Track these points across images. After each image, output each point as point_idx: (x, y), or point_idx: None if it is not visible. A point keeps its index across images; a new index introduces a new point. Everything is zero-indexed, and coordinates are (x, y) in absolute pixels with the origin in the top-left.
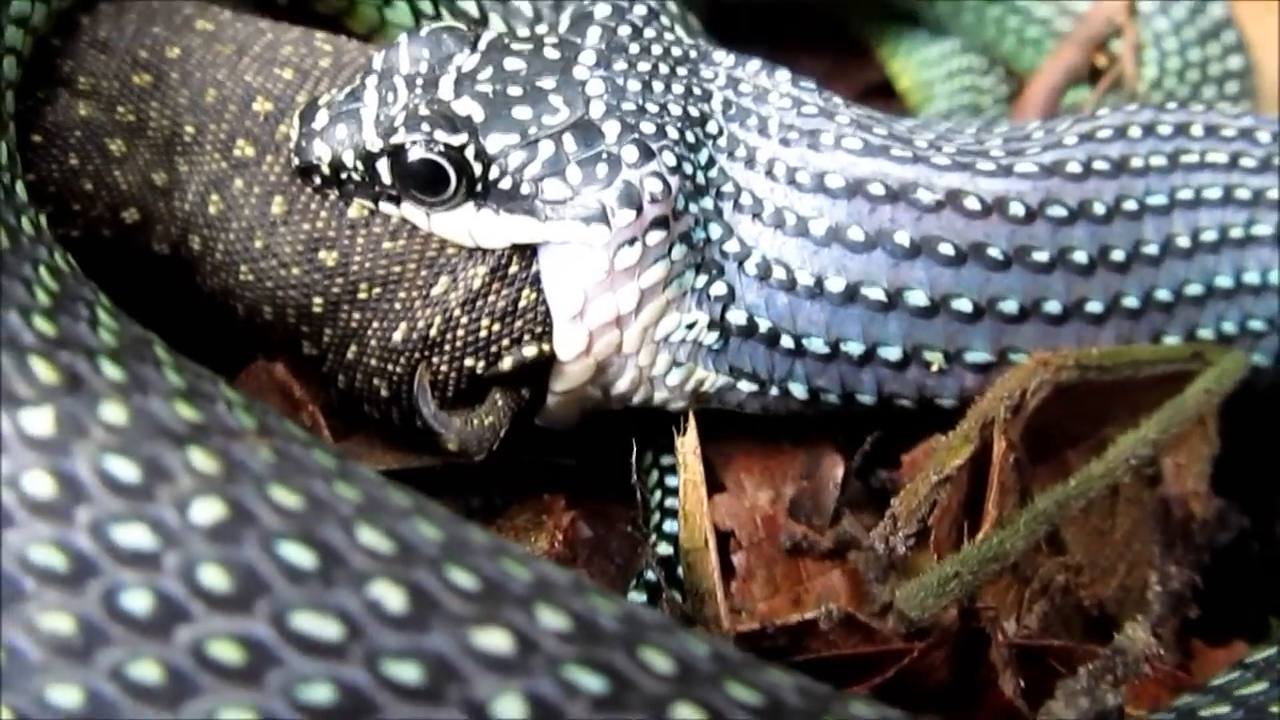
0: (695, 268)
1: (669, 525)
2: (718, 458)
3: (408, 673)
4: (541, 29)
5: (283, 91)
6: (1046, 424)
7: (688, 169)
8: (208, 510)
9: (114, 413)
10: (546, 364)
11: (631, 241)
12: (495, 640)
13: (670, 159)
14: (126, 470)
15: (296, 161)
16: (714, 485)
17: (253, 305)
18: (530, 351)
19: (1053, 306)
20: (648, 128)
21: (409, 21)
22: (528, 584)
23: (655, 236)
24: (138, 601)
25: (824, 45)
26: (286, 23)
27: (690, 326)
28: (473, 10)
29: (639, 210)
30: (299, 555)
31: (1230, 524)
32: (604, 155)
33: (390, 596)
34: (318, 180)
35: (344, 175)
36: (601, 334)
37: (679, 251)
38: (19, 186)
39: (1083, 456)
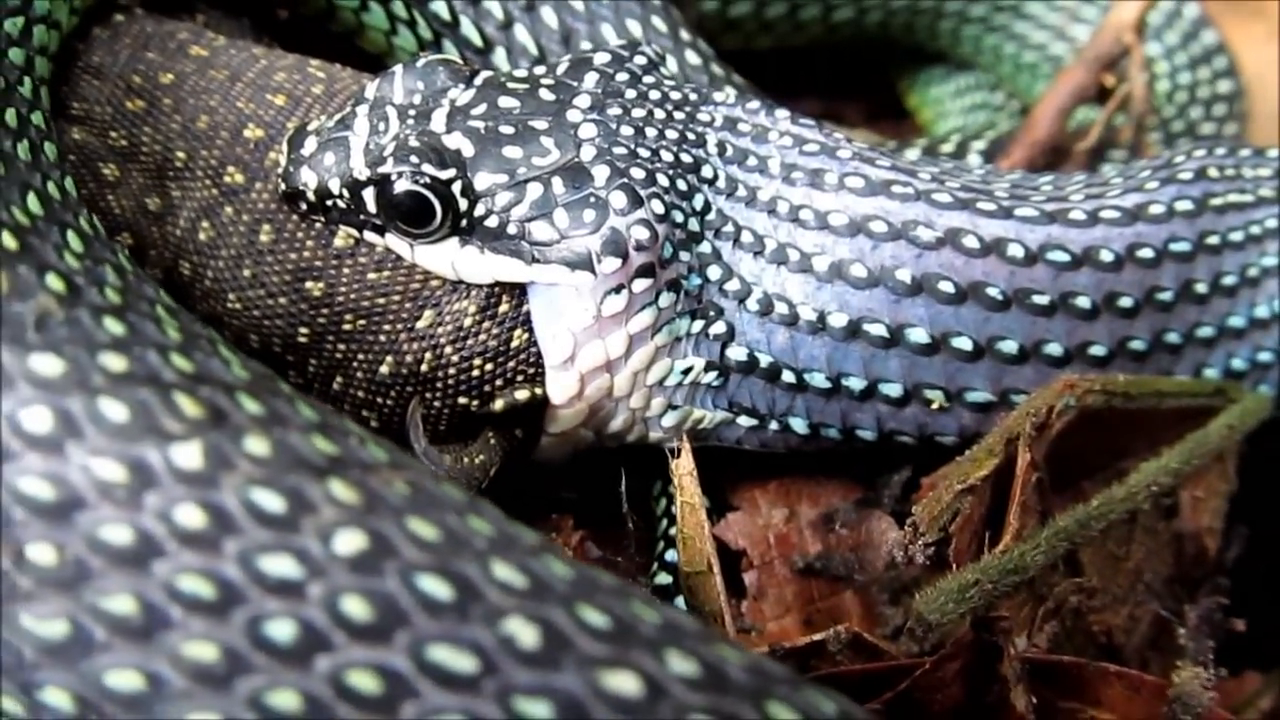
0: (690, 314)
1: (670, 555)
2: (730, 477)
3: (539, 710)
4: (539, 70)
5: (274, 118)
6: (1066, 452)
7: (677, 217)
8: (350, 542)
9: (257, 446)
10: (540, 406)
11: (618, 289)
12: (625, 683)
13: (659, 207)
14: (272, 502)
15: (283, 187)
16: (726, 505)
17: (240, 333)
18: (523, 395)
19: (1054, 349)
20: (637, 174)
21: (413, 47)
22: (657, 628)
23: (641, 284)
24: (281, 630)
25: (829, 77)
26: (280, 49)
27: (686, 371)
28: (476, 40)
29: (624, 258)
30: (437, 588)
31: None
32: (592, 199)
33: (524, 633)
34: (303, 206)
35: (330, 203)
36: (592, 378)
37: (666, 299)
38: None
39: (1099, 487)
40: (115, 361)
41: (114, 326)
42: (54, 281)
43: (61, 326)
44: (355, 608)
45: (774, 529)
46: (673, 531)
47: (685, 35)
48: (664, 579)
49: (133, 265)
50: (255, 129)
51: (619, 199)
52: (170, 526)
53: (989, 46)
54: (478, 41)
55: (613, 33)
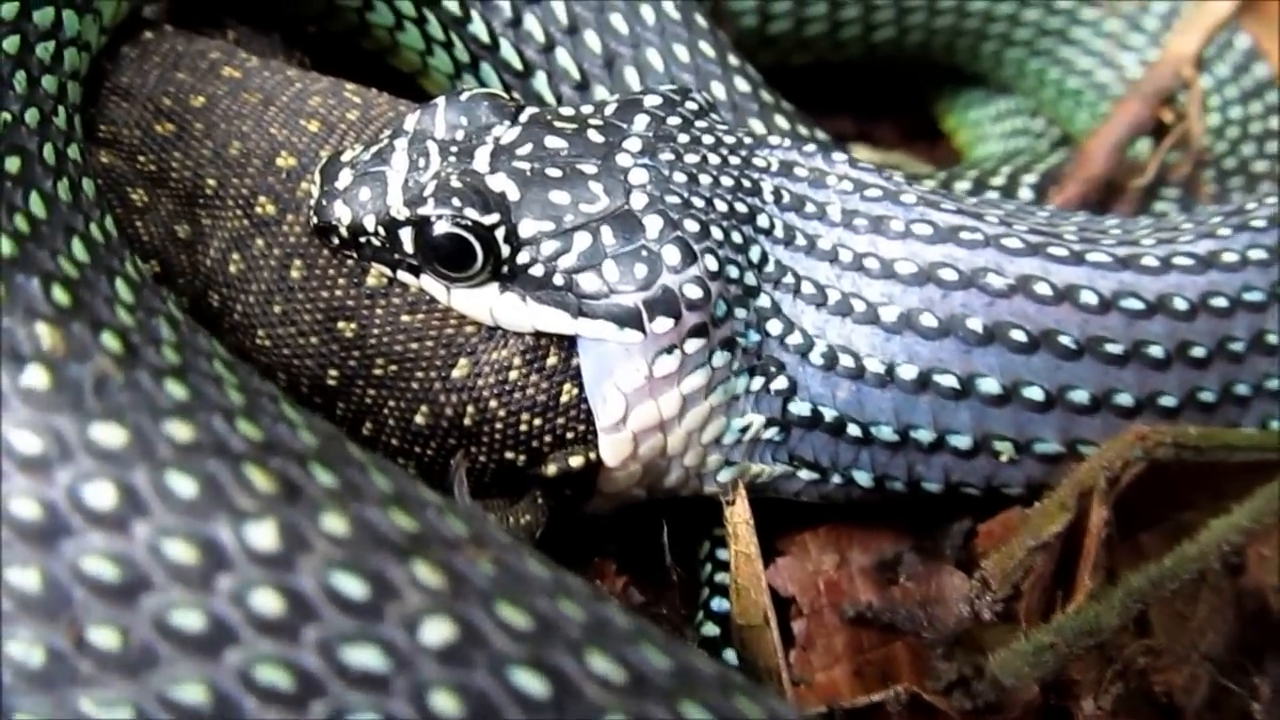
0: (749, 371)
1: (717, 603)
2: (778, 520)
3: None
4: (587, 109)
5: (307, 146)
6: (1127, 503)
7: (732, 272)
8: (437, 630)
9: (335, 524)
10: (593, 468)
11: (670, 349)
12: None
13: (712, 263)
14: (353, 586)
15: (315, 220)
16: (773, 550)
17: (267, 370)
18: (577, 461)
19: (1124, 399)
20: (691, 226)
21: (449, 69)
22: None
23: (694, 344)
24: None
25: (863, 94)
26: (313, 70)
27: (744, 429)
28: (515, 63)
29: (677, 318)
30: (532, 683)
31: None
32: (643, 253)
33: None
34: (335, 241)
35: (363, 240)
36: (646, 438)
37: (721, 359)
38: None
39: (1158, 540)
40: (180, 430)
41: (176, 390)
42: (110, 340)
43: (122, 391)
44: (445, 703)
45: (824, 575)
46: (719, 578)
47: (733, 60)
48: (711, 629)
49: (183, 314)
50: (288, 157)
51: (672, 254)
52: (245, 612)
53: (1032, 71)
54: (517, 65)
55: (658, 57)
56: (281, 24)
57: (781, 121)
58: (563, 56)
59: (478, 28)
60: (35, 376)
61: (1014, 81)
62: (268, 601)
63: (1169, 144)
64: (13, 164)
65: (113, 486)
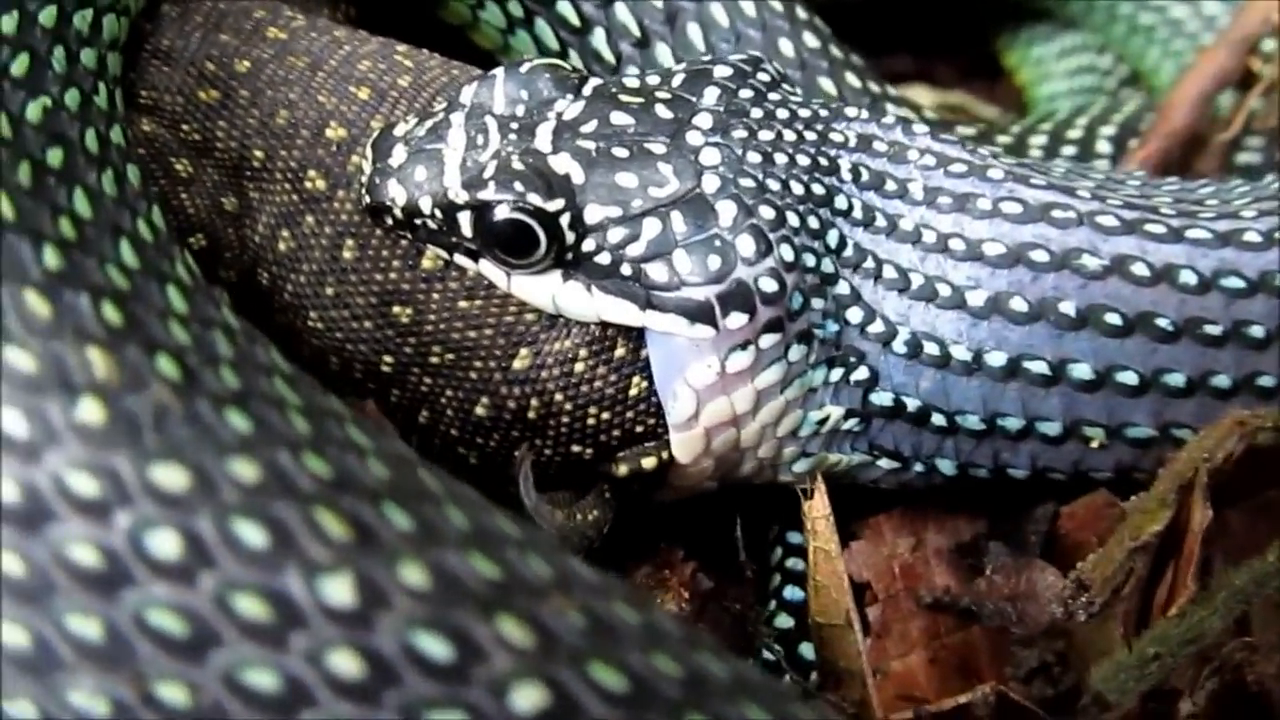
0: (827, 363)
1: (790, 592)
2: (852, 503)
3: None
4: (653, 80)
5: (357, 115)
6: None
7: (809, 260)
8: (528, 696)
9: (414, 575)
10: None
11: (744, 345)
12: None
13: (789, 252)
14: (437, 648)
15: (367, 199)
16: (846, 533)
17: (319, 352)
18: (649, 462)
19: (1221, 381)
20: (766, 213)
21: (500, 22)
22: None
23: (769, 340)
24: None
25: (921, 32)
26: (364, 32)
27: (821, 422)
28: (572, 18)
29: (751, 313)
30: None
31: None
32: (716, 243)
33: None
34: (388, 222)
35: (418, 221)
36: (718, 433)
37: (797, 352)
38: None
39: (1245, 518)
40: (246, 470)
41: (238, 422)
42: (166, 366)
43: (182, 425)
44: None
45: (899, 559)
46: (791, 564)
47: (801, 13)
48: (785, 620)
49: (237, 319)
50: (338, 128)
51: (746, 244)
52: (321, 673)
53: (1102, 5)
54: (574, 20)
55: (722, 12)
56: None
57: (852, 79)
58: (622, 12)
59: None
60: (90, 410)
61: (1081, 16)
62: (346, 663)
63: (1258, 92)
64: (55, 157)
65: (176, 535)
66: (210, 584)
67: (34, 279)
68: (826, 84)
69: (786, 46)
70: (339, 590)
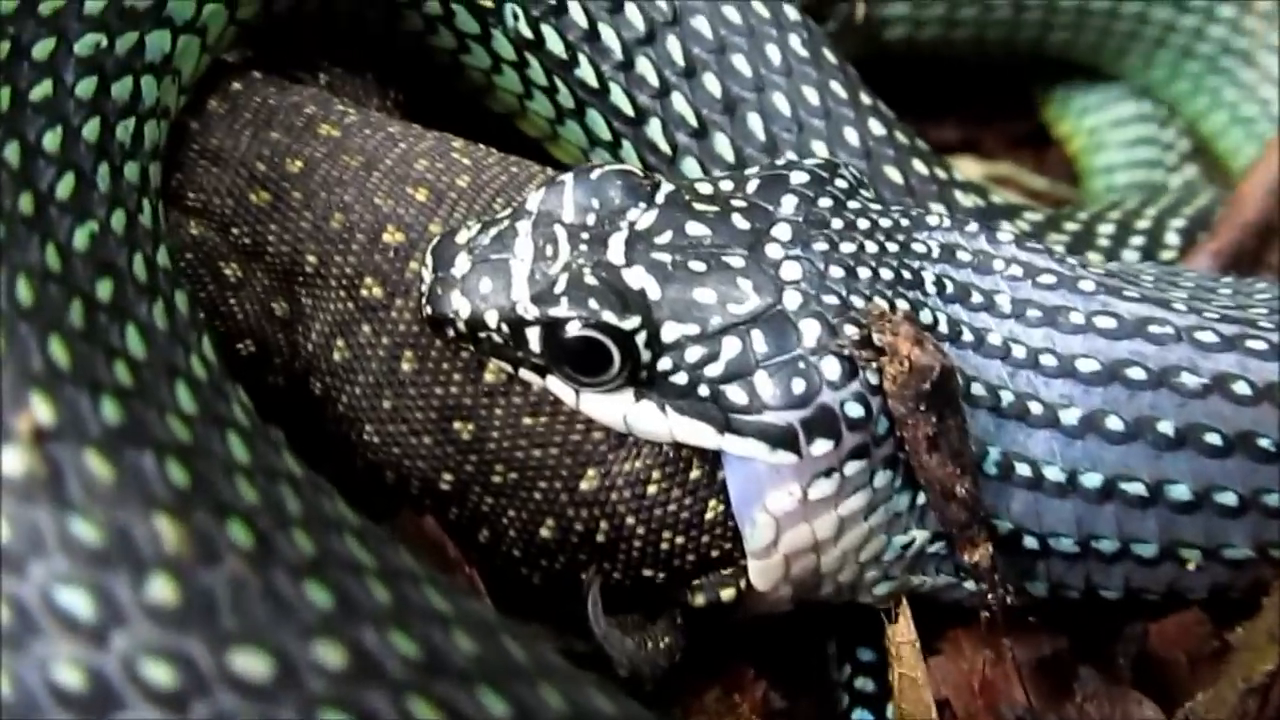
0: (912, 486)
1: (859, 715)
2: (928, 614)
3: None
4: (727, 185)
5: (415, 218)
6: None
7: None
8: None
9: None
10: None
11: (828, 472)
12: None
13: (874, 375)
14: None
15: (428, 310)
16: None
17: (374, 466)
18: (728, 595)
19: None
20: (852, 331)
21: (581, 140)
22: None
23: (854, 466)
24: None
25: (966, 98)
26: (418, 126)
27: (906, 546)
28: (627, 109)
29: (837, 439)
30: None
31: None
32: (800, 364)
33: None
34: (451, 334)
35: (483, 334)
36: (798, 559)
37: (883, 478)
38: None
39: None
40: (332, 655)
41: (319, 596)
42: (238, 533)
43: (261, 603)
44: None
45: (978, 675)
46: (860, 685)
47: (865, 99)
48: None
49: (300, 465)
50: (395, 232)
51: (832, 368)
52: None
53: (1208, 88)
54: (629, 110)
55: (784, 101)
56: (373, 61)
57: (920, 166)
58: (679, 102)
59: (585, 71)
60: (162, 590)
61: (1181, 97)
62: None
63: None
64: (104, 289)
65: None
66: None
67: (94, 437)
68: (892, 172)
69: (851, 135)
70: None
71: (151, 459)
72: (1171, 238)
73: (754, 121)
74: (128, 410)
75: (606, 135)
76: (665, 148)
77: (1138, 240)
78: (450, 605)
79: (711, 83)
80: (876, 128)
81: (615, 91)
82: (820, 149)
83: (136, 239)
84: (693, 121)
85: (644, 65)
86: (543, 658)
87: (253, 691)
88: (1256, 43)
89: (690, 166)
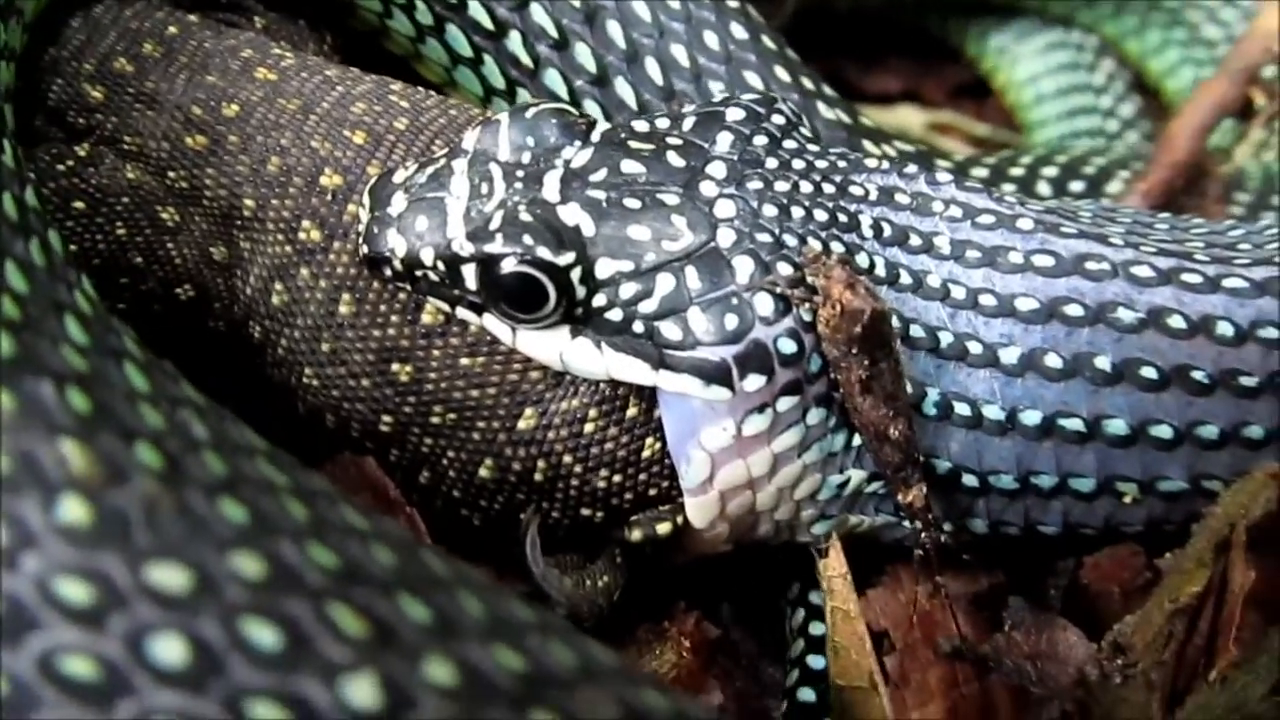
0: (848, 427)
1: (814, 660)
2: (865, 550)
3: None
4: (663, 123)
5: (353, 161)
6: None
7: None
8: None
9: (440, 673)
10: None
11: (761, 408)
12: None
13: (807, 312)
14: None
15: (365, 250)
16: (863, 580)
17: (315, 409)
18: (664, 529)
19: (1254, 432)
20: (785, 270)
21: (443, 58)
22: None
23: (787, 402)
24: None
25: (907, 49)
26: (356, 70)
27: (842, 485)
28: (525, 59)
29: (769, 375)
30: None
31: None
32: (733, 302)
33: None
34: (387, 273)
35: (419, 273)
36: (733, 496)
37: (816, 415)
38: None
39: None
40: (250, 565)
41: (233, 512)
42: (146, 454)
43: (176, 521)
44: None
45: (916, 608)
46: (813, 629)
47: (769, 43)
48: (808, 694)
49: (200, 396)
50: (333, 175)
51: (764, 304)
52: None
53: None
54: (488, 24)
55: (683, 53)
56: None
57: (825, 110)
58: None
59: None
60: (73, 510)
61: (1123, 35)
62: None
63: (1259, 124)
64: None
65: (182, 643)
66: (222, 691)
67: None
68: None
69: (753, 79)
70: (363, 693)
71: (50, 387)
72: (1116, 186)
73: (652, 68)
74: (19, 342)
75: (468, 51)
76: (527, 60)
77: (1078, 185)
78: (367, 522)
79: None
80: (781, 73)
81: (473, 5)
82: (720, 93)
83: (3, 179)
84: (553, 33)
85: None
86: (464, 570)
87: (171, 603)
88: None
89: (552, 79)
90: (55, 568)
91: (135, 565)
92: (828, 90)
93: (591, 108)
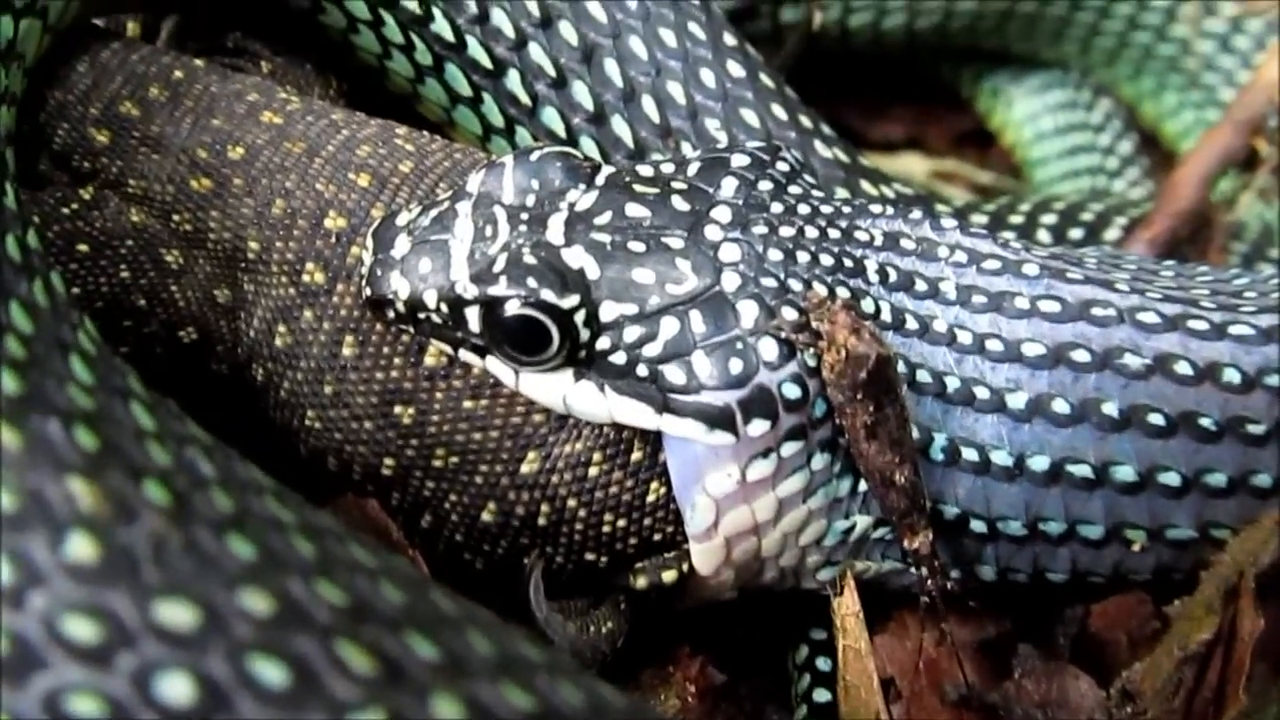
0: (853, 472)
1: (820, 695)
2: (873, 595)
3: None
4: (667, 168)
5: (357, 204)
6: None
7: None
8: None
9: (448, 710)
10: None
11: (765, 453)
12: None
13: (812, 357)
14: None
15: (368, 292)
16: (870, 625)
17: (317, 452)
18: (669, 577)
19: (1262, 480)
20: (790, 314)
21: (442, 98)
22: None
23: (791, 448)
24: None
25: (911, 96)
26: (361, 114)
27: (847, 531)
28: (524, 98)
29: (773, 420)
30: None
31: None
32: (737, 346)
33: None
34: (390, 315)
35: (422, 315)
36: (738, 542)
37: (820, 461)
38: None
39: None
40: (258, 602)
41: (241, 549)
42: (155, 492)
43: (184, 558)
44: None
45: (922, 655)
46: (818, 663)
47: (767, 82)
48: None
49: (206, 434)
50: (337, 218)
51: (769, 349)
52: None
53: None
54: (486, 64)
55: (679, 90)
56: (312, 49)
57: (822, 149)
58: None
59: (440, 26)
60: (80, 548)
61: (1126, 82)
62: None
63: (1263, 174)
64: None
65: (189, 681)
66: None
67: None
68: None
69: (750, 117)
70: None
71: (57, 425)
72: (1113, 234)
73: (648, 106)
74: (26, 380)
75: (467, 90)
76: (525, 99)
77: (1077, 233)
78: (376, 559)
79: (568, 32)
80: (778, 110)
81: (472, 45)
82: (716, 130)
83: (6, 222)
84: (551, 71)
85: (500, 17)
86: (471, 609)
87: (179, 641)
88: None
89: (550, 117)
90: (62, 605)
91: (143, 603)
92: (826, 129)
93: (588, 145)
